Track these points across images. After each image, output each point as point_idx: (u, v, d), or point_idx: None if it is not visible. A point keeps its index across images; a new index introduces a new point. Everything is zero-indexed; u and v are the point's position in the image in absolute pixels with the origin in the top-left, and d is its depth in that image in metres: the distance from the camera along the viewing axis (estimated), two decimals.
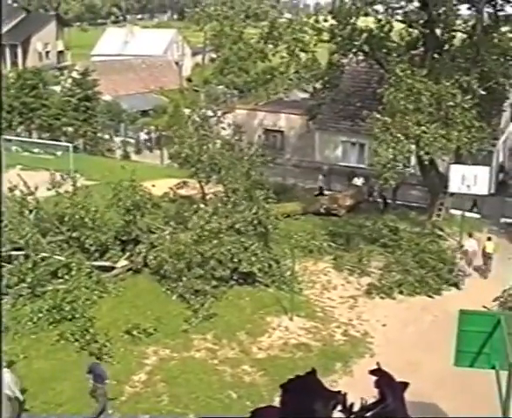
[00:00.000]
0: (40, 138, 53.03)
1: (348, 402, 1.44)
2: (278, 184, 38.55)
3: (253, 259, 27.81)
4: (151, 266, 27.99)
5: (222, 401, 21.16)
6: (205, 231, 27.85)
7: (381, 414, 1.46)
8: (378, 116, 31.97)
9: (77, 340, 23.12)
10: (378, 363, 1.49)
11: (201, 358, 23.49)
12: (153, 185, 32.18)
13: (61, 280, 26.14)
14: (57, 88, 58.89)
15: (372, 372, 1.48)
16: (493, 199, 38.30)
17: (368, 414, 1.47)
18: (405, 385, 1.49)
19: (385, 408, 1.46)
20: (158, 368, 22.75)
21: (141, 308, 25.93)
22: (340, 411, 1.45)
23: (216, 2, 39.91)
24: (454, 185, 33.49)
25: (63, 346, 23.11)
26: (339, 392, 1.45)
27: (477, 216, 36.99)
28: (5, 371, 18.71)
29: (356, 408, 1.45)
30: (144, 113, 66.74)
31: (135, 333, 24.04)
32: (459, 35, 38.14)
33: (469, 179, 33.03)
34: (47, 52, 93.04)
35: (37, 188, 29.36)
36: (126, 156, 53.08)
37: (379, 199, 39.01)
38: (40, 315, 24.34)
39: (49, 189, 30.08)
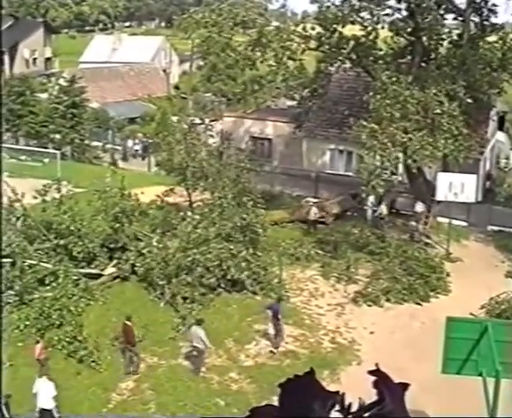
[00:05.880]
0: (27, 145, 52.85)
1: (346, 403, 1.45)
2: (265, 191, 38.50)
3: (242, 265, 27.84)
4: (139, 274, 27.94)
5: (209, 408, 21.15)
6: (193, 238, 27.89)
7: (379, 415, 1.47)
8: (365, 123, 32.05)
9: (64, 348, 23.05)
10: (377, 364, 1.50)
11: (189, 365, 23.46)
12: (142, 193, 32.14)
13: (48, 288, 26.05)
14: (45, 95, 58.76)
15: (370, 372, 1.49)
16: (480, 207, 38.41)
17: (366, 415, 1.48)
18: (405, 386, 1.50)
19: (382, 409, 1.47)
20: (145, 376, 22.72)
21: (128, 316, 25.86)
22: (338, 411, 1.46)
23: (204, 9, 39.97)
24: (442, 193, 33.64)
25: (50, 353, 23.01)
26: (337, 392, 1.46)
27: (464, 224, 37.18)
28: (196, 327, 22.76)
29: (354, 409, 1.46)
30: (132, 121, 66.64)
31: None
32: (445, 43, 38.34)
33: (457, 187, 33.21)
34: (34, 59, 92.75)
35: (23, 195, 29.24)
36: (114, 163, 52.93)
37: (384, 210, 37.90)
38: (27, 323, 24.27)
39: (35, 197, 29.92)
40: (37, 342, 22.35)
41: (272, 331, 24.99)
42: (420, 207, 35.76)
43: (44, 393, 19.54)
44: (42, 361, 21.64)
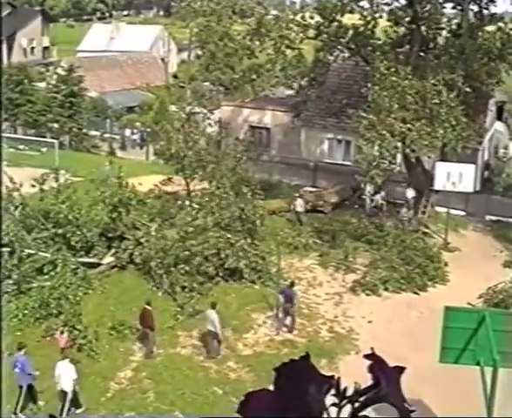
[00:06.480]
0: (25, 134, 52.77)
1: (342, 387, 1.45)
2: (264, 180, 38.48)
3: (240, 254, 27.85)
4: (137, 263, 27.94)
5: (207, 397, 21.19)
6: (191, 227, 27.89)
7: (375, 399, 1.47)
8: (363, 114, 32.02)
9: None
10: (372, 348, 1.50)
11: (187, 354, 23.50)
12: (140, 184, 32.10)
13: (46, 277, 26.02)
14: (43, 84, 58.66)
15: (366, 356, 1.49)
16: (478, 197, 38.43)
17: (361, 399, 1.48)
18: (400, 369, 1.50)
19: (378, 393, 1.47)
20: (143, 365, 22.75)
21: (127, 305, 25.88)
22: (334, 395, 1.46)
23: None
24: (440, 183, 33.66)
25: (49, 342, 23.03)
26: (332, 376, 1.46)
27: (463, 213, 37.18)
28: (212, 311, 22.96)
29: (349, 393, 1.46)
30: (130, 110, 66.52)
31: (121, 329, 24.03)
32: (444, 33, 38.30)
33: (455, 177, 33.23)
34: (32, 48, 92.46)
35: (21, 184, 29.20)
36: (112, 152, 52.84)
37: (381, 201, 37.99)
38: (25, 312, 24.27)
39: (33, 186, 29.90)
40: (62, 333, 22.30)
41: (281, 316, 25.26)
42: (410, 193, 35.79)
43: (65, 375, 19.63)
44: (66, 350, 21.58)
